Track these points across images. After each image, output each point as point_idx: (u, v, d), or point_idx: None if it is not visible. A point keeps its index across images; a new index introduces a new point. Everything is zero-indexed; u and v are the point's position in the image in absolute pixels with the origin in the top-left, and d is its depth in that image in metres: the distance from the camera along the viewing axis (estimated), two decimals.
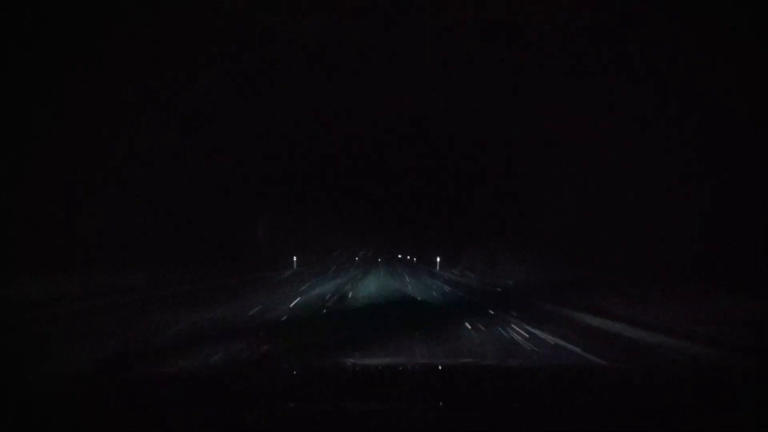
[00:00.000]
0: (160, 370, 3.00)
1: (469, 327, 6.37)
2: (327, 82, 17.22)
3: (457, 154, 23.42)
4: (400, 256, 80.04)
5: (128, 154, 12.39)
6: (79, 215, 10.95)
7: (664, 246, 8.86)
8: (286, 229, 27.65)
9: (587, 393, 1.38)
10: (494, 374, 1.74)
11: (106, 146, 11.58)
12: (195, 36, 11.66)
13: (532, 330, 6.20)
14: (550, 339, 5.66)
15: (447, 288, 15.08)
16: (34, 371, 3.66)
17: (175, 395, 1.31)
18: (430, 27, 12.83)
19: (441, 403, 1.22)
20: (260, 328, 6.16)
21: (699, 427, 1.02)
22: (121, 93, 11.30)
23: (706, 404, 1.19)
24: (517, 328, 6.29)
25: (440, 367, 1.94)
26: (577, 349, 5.07)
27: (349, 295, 11.54)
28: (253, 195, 22.16)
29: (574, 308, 8.14)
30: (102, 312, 7.94)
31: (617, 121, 10.00)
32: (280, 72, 15.49)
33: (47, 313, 7.44)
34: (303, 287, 13.43)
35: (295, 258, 25.52)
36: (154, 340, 5.31)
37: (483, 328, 6.29)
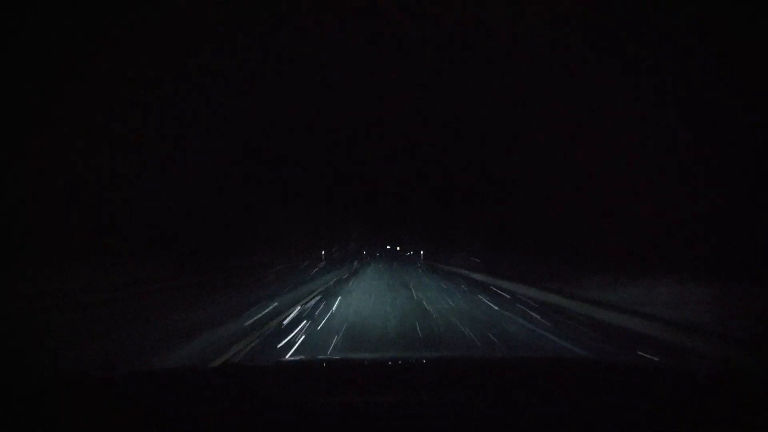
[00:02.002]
0: (158, 369, 2.98)
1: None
2: (330, 75, 17.17)
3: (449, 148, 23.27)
4: (390, 247, 66.89)
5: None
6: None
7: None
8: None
9: (588, 387, 1.37)
10: (496, 367, 1.75)
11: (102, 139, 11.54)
12: (195, 34, 11.65)
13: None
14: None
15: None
16: (37, 370, 3.64)
17: (175, 393, 1.29)
18: (429, 23, 12.79)
19: (440, 397, 1.22)
20: None
21: (684, 421, 1.02)
22: (117, 89, 11.27)
23: (693, 399, 1.19)
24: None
25: (438, 361, 1.94)
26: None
27: None
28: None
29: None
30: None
31: (615, 116, 9.99)
32: (283, 66, 15.44)
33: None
34: None
35: None
36: None
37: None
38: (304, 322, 6.55)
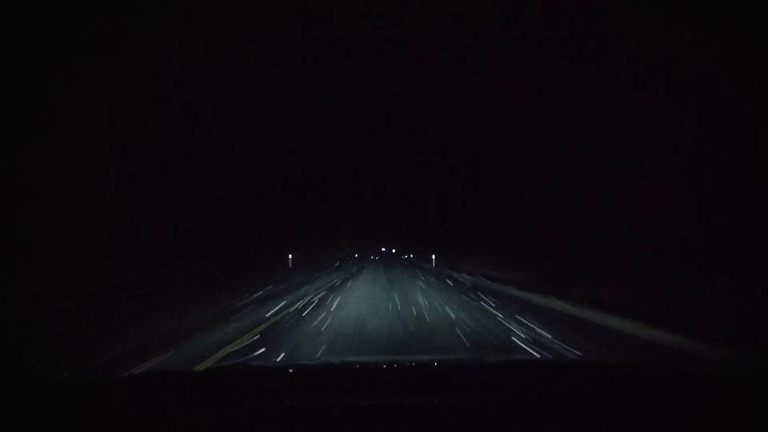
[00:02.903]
0: (158, 371, 2.97)
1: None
2: (330, 79, 17.18)
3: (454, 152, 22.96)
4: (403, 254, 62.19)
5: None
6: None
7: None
8: None
9: (581, 389, 1.36)
10: (490, 370, 1.73)
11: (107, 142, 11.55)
12: (200, 33, 11.75)
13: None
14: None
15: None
16: (35, 373, 3.62)
17: (174, 395, 1.30)
18: (429, 27, 12.87)
19: (435, 400, 1.22)
20: None
21: (685, 423, 1.01)
22: (122, 88, 11.34)
23: (694, 400, 1.18)
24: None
25: (434, 364, 1.93)
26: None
27: None
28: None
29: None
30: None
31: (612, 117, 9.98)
32: (281, 70, 15.53)
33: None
34: None
35: None
36: None
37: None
38: None
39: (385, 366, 1.83)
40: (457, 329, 6.56)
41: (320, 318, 7.46)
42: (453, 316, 7.93)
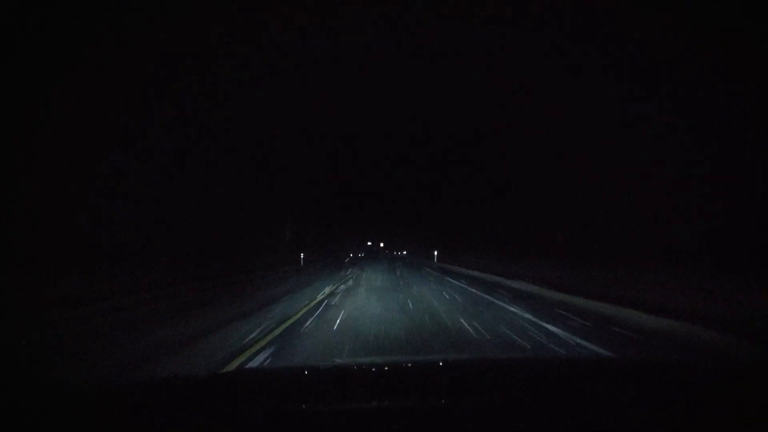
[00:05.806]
0: (158, 374, 2.96)
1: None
2: (327, 76, 17.03)
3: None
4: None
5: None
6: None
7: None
8: None
9: (594, 387, 1.33)
10: (497, 368, 1.71)
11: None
12: (199, 34, 11.72)
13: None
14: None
15: None
16: (37, 381, 3.59)
17: (175, 398, 1.29)
18: (427, 20, 12.88)
19: (444, 401, 1.21)
20: None
21: (691, 418, 1.00)
22: (122, 91, 11.27)
23: (700, 395, 1.18)
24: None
25: (441, 364, 1.86)
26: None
27: None
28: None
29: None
30: None
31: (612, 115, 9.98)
32: (276, 68, 15.50)
33: None
34: None
35: None
36: None
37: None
38: None
39: (404, 366, 1.81)
40: None
41: None
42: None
